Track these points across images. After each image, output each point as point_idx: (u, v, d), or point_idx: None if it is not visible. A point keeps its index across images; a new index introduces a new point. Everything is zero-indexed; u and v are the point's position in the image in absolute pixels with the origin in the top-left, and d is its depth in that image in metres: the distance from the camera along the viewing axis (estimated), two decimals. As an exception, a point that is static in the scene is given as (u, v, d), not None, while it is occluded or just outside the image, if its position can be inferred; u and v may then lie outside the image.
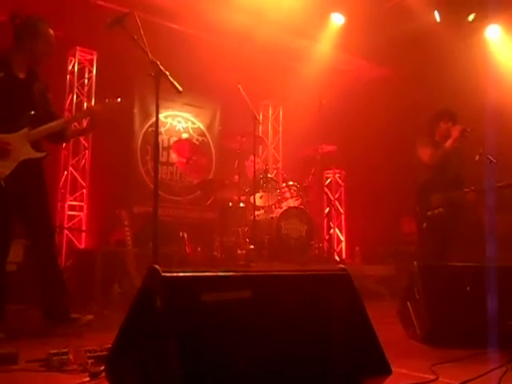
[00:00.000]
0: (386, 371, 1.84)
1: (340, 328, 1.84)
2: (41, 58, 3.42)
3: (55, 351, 2.38)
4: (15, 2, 5.65)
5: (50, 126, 3.42)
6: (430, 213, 4.56)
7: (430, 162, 4.66)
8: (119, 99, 3.50)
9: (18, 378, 2.24)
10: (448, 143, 4.59)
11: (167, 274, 1.59)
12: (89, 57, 6.69)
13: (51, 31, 3.38)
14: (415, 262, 3.28)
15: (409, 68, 7.25)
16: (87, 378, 2.13)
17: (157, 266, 1.59)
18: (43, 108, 3.45)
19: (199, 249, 6.19)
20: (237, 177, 6.19)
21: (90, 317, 3.24)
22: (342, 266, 2.00)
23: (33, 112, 3.37)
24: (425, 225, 4.58)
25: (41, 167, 3.47)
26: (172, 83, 2.91)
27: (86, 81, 6.67)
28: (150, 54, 2.94)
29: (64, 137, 3.66)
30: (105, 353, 2.26)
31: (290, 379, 1.67)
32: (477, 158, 4.53)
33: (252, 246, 5.65)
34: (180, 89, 2.90)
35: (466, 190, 4.59)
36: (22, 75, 3.36)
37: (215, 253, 6.05)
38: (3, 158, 3.19)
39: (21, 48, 3.33)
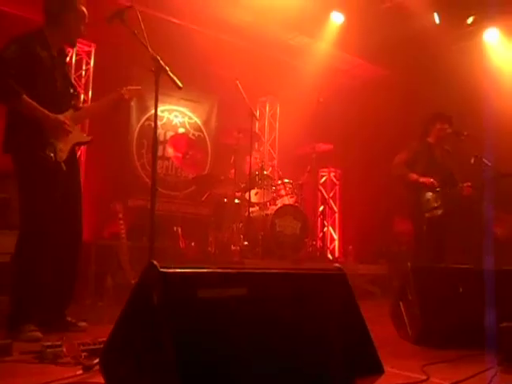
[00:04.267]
0: (379, 371, 1.86)
1: (334, 327, 1.86)
2: (74, 36, 3.19)
3: (49, 343, 2.39)
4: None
5: (92, 107, 3.28)
6: (428, 214, 4.52)
7: (392, 169, 4.77)
8: (140, 87, 3.39)
9: (11, 369, 2.25)
10: (413, 177, 4.63)
11: (165, 270, 1.59)
12: (87, 49, 6.63)
13: (83, 8, 3.12)
14: (408, 263, 3.31)
15: (406, 68, 7.26)
16: (80, 371, 2.14)
17: (155, 262, 1.59)
18: (74, 89, 3.29)
19: (193, 244, 6.17)
20: (233, 171, 6.18)
21: (85, 324, 3.20)
22: (338, 265, 2.01)
23: (73, 91, 3.17)
24: (425, 228, 4.51)
25: (76, 153, 3.29)
26: (172, 79, 2.90)
27: (84, 73, 6.63)
28: (150, 49, 2.93)
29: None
30: (98, 346, 2.27)
31: (284, 376, 1.69)
32: (472, 161, 4.55)
33: (246, 243, 5.66)
34: (180, 85, 2.90)
35: (461, 185, 4.59)
36: (55, 53, 3.14)
37: (209, 248, 6.05)
38: (62, 140, 3.00)
39: (53, 23, 3.09)
